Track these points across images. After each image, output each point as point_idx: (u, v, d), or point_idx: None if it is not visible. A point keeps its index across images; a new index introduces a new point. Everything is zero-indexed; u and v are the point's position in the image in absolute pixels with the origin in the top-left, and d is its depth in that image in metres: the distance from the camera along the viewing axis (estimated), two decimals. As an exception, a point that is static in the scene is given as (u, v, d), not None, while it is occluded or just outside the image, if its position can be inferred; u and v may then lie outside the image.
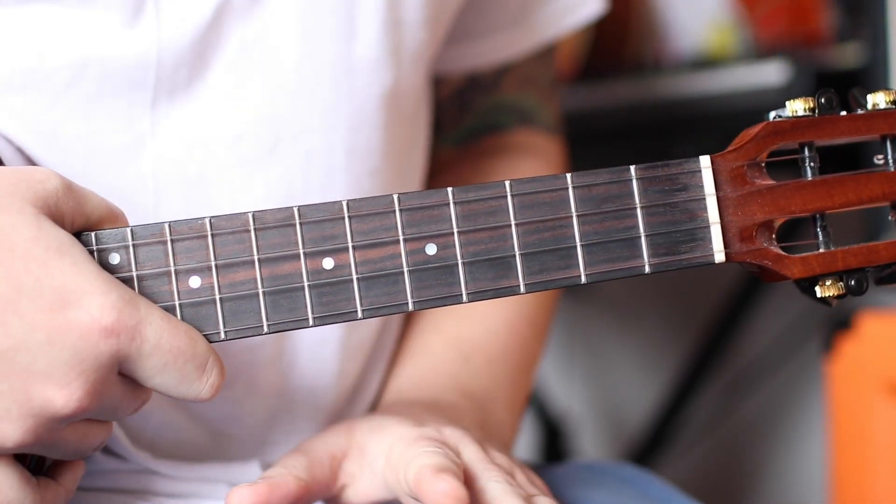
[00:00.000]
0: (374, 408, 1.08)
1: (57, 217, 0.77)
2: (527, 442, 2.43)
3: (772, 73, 1.79)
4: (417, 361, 1.07)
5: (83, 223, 0.80)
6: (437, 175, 1.21)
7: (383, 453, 0.90)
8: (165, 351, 0.77)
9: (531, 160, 1.21)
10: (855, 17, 1.97)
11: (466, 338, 1.09)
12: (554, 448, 2.41)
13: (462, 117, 1.25)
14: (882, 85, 1.71)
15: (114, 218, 0.81)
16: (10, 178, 0.77)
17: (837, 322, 1.69)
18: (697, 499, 1.07)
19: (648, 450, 2.34)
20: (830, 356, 1.69)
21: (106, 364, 0.75)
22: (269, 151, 0.97)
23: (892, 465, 1.63)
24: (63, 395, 0.75)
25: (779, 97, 1.74)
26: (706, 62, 2.06)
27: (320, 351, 1.01)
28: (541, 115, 1.26)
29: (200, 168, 0.95)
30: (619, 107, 1.96)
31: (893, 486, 1.63)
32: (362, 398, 1.08)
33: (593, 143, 1.99)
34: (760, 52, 2.06)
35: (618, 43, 2.06)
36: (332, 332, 1.01)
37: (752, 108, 1.79)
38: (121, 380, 0.78)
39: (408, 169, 1.08)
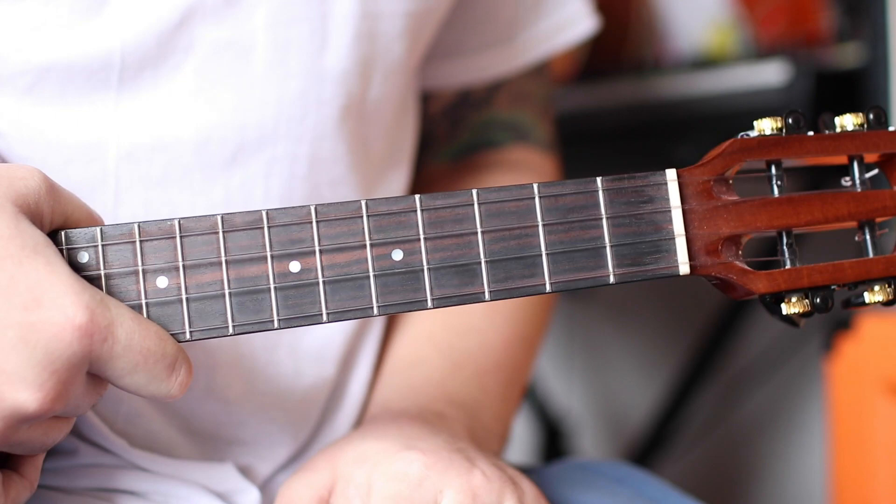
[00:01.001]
0: (362, 415, 1.08)
1: (36, 216, 0.78)
2: (527, 442, 2.44)
3: (772, 73, 1.79)
4: (409, 372, 1.07)
5: (61, 223, 0.80)
6: (427, 189, 1.21)
7: (373, 488, 0.90)
8: (136, 352, 0.78)
9: (525, 175, 1.22)
10: (855, 17, 1.97)
11: (459, 348, 1.09)
12: (553, 448, 2.42)
13: (454, 133, 1.25)
14: (882, 85, 1.70)
15: (92, 221, 0.82)
16: None
17: (837, 322, 1.69)
18: (697, 499, 1.07)
19: (648, 450, 2.34)
20: (830, 356, 1.69)
21: (77, 364, 0.76)
22: (231, 157, 0.97)
23: (892, 465, 1.63)
24: (36, 397, 0.74)
25: (779, 97, 1.74)
26: (706, 62, 2.06)
27: (272, 355, 1.02)
28: (535, 131, 1.26)
29: (163, 170, 0.95)
30: (619, 107, 1.96)
31: (893, 486, 1.63)
32: (344, 403, 1.09)
33: (593, 143, 1.99)
34: (760, 52, 2.06)
35: (618, 43, 2.06)
36: (280, 336, 1.02)
37: (752, 108, 1.80)
38: (87, 378, 0.78)
39: (380, 181, 1.08)
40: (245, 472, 1.02)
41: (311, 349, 1.05)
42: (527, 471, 1.10)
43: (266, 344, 1.02)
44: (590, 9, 1.25)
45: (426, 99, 1.22)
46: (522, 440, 2.47)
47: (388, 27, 1.02)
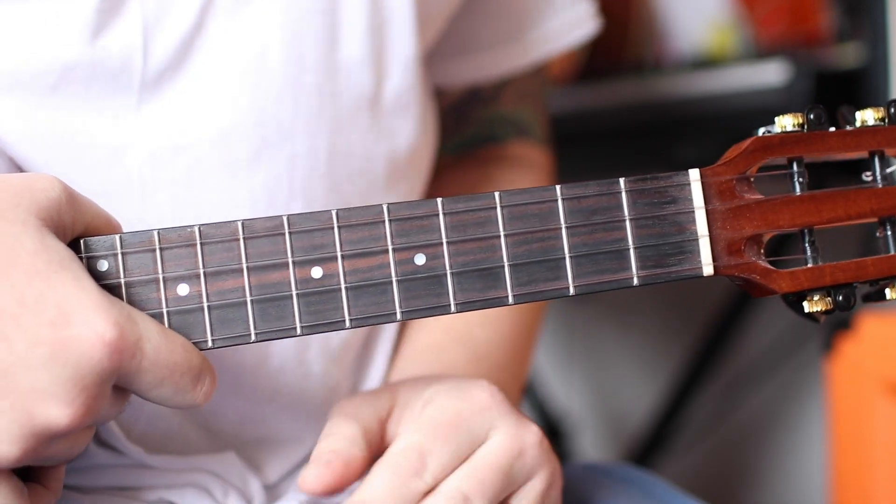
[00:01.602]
0: None
1: (58, 227, 0.77)
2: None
3: (772, 73, 1.79)
4: (431, 356, 1.07)
5: (81, 232, 0.80)
6: (436, 179, 1.21)
7: (434, 399, 0.90)
8: (163, 366, 0.77)
9: (526, 171, 1.22)
10: (855, 17, 1.97)
11: (477, 340, 1.09)
12: (554, 448, 2.41)
13: (459, 128, 1.25)
14: (882, 85, 1.71)
15: (111, 228, 0.81)
16: (13, 188, 0.77)
17: (837, 322, 1.69)
18: (697, 499, 1.07)
19: (648, 450, 2.35)
20: (830, 356, 1.70)
21: (107, 380, 0.75)
22: (254, 155, 0.97)
23: (892, 465, 1.64)
24: (66, 413, 0.74)
25: (779, 97, 1.74)
26: (706, 62, 2.06)
27: (304, 355, 1.02)
28: (534, 127, 1.27)
29: (187, 171, 0.95)
30: (619, 107, 1.96)
31: (893, 486, 1.64)
32: None
33: (593, 143, 1.99)
34: (760, 52, 2.06)
35: (618, 43, 2.06)
36: (313, 337, 1.01)
37: (752, 108, 1.80)
38: (113, 391, 0.78)
39: (404, 176, 1.08)
40: (257, 469, 1.03)
41: (336, 349, 1.05)
42: None
43: (297, 344, 1.01)
44: (593, 11, 1.27)
45: (436, 96, 1.22)
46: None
47: (397, 17, 1.03)
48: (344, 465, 0.87)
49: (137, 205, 0.94)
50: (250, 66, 0.96)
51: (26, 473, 0.80)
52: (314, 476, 0.87)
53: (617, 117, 1.97)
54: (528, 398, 2.37)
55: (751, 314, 2.22)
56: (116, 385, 0.78)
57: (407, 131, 1.06)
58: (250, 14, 0.96)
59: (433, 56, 1.18)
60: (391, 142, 1.05)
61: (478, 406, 0.89)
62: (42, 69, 0.91)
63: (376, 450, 0.90)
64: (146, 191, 0.94)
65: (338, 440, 0.89)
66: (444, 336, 1.08)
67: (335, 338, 1.04)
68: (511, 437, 0.88)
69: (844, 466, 1.70)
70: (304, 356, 1.02)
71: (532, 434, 0.90)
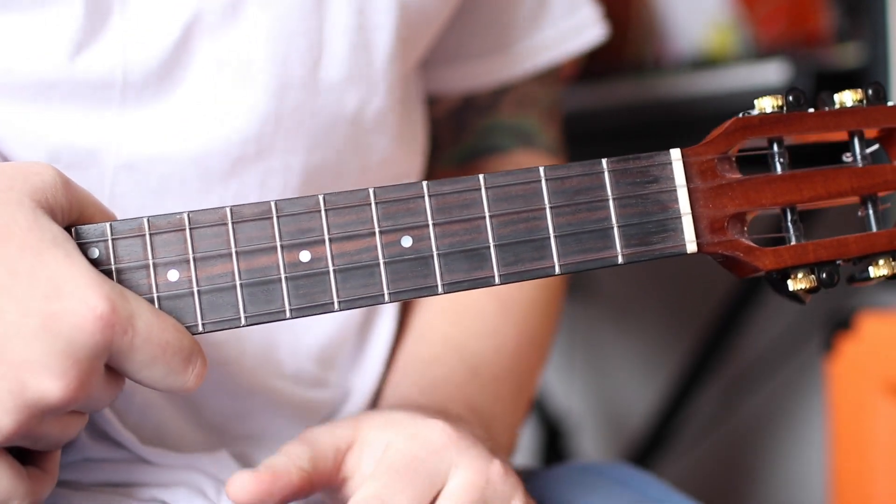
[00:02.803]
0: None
1: (52, 209, 0.78)
2: (527, 443, 2.43)
3: (772, 73, 1.79)
4: (427, 370, 1.07)
5: (76, 219, 0.81)
6: None
7: (391, 444, 0.90)
8: (155, 344, 0.78)
9: None
10: (855, 17, 1.97)
11: (475, 352, 1.08)
12: (554, 449, 2.41)
13: (459, 137, 1.25)
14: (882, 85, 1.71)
15: (105, 217, 0.82)
16: (7, 172, 0.78)
17: (837, 322, 1.69)
18: (697, 499, 1.08)
19: (648, 450, 2.34)
20: (830, 356, 1.70)
21: (99, 355, 0.76)
22: (229, 170, 0.98)
23: (892, 465, 1.64)
24: (58, 386, 0.74)
25: (779, 97, 1.74)
26: (706, 62, 2.06)
27: (273, 354, 1.03)
28: (541, 136, 1.26)
29: (160, 180, 0.96)
30: (619, 107, 1.96)
31: (893, 486, 1.64)
32: (350, 402, 1.09)
33: (593, 143, 1.99)
34: (760, 52, 2.06)
35: (618, 43, 2.06)
36: (280, 335, 1.02)
37: (752, 108, 1.80)
38: (105, 371, 0.78)
39: (368, 181, 1.07)
40: (249, 465, 1.02)
41: (313, 349, 1.05)
42: (529, 473, 1.11)
43: (267, 343, 1.02)
44: (598, 16, 1.26)
45: (431, 103, 1.22)
46: (522, 440, 2.46)
47: (383, 39, 1.03)
48: (271, 477, 0.87)
49: None
50: (234, 84, 0.97)
51: (22, 459, 0.81)
52: (239, 483, 0.86)
53: (617, 117, 1.97)
54: (528, 400, 2.37)
55: (751, 314, 2.22)
56: (109, 367, 0.78)
57: (382, 146, 1.07)
58: (236, 33, 0.97)
59: (426, 64, 1.19)
60: (365, 156, 1.06)
61: (433, 447, 0.88)
62: (22, 83, 0.93)
63: (325, 473, 0.90)
64: (115, 195, 0.95)
65: (279, 457, 0.89)
66: (441, 348, 1.08)
67: (308, 337, 1.05)
68: (474, 472, 0.88)
69: (844, 466, 1.70)
70: (274, 355, 1.03)
71: (496, 465, 0.89)
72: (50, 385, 0.75)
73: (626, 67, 2.09)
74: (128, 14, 0.94)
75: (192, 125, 0.96)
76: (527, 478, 1.06)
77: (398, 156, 1.10)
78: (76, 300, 0.75)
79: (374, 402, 1.09)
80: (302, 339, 1.05)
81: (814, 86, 1.75)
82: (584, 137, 1.94)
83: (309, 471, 0.89)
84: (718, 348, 2.26)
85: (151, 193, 0.96)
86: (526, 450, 2.42)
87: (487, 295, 1.11)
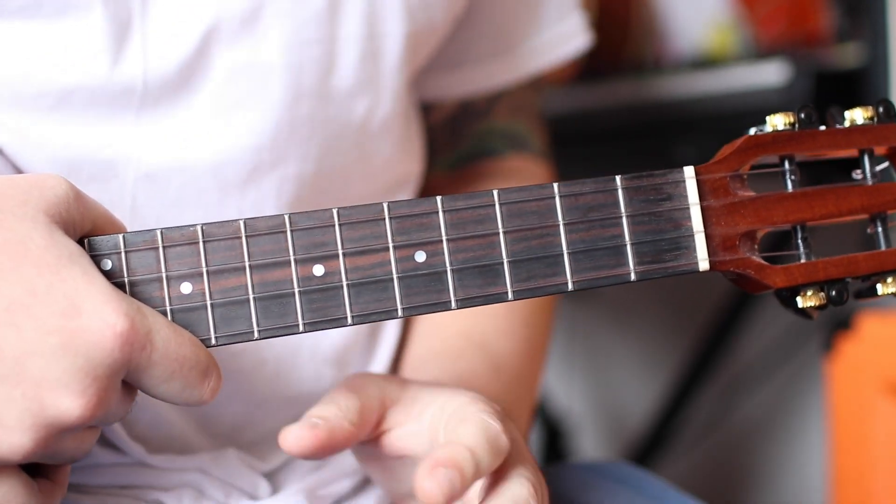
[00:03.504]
0: None
1: (67, 224, 0.78)
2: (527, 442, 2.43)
3: (772, 73, 1.80)
4: (452, 362, 1.07)
5: (89, 230, 0.80)
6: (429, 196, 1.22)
7: (436, 405, 0.89)
8: (172, 360, 0.78)
9: (522, 182, 1.22)
10: (855, 17, 1.97)
11: (496, 351, 1.09)
12: (554, 448, 2.41)
13: (454, 142, 1.26)
14: (882, 85, 1.71)
15: (116, 228, 0.82)
16: (22, 186, 0.78)
17: (837, 322, 1.69)
18: (697, 499, 1.08)
19: (648, 450, 2.34)
20: (830, 356, 1.70)
21: (118, 372, 0.76)
22: (246, 178, 0.98)
23: (892, 465, 1.64)
24: (78, 405, 0.74)
25: (779, 97, 1.74)
26: (706, 62, 2.06)
27: (295, 359, 1.03)
28: (531, 141, 1.27)
29: (180, 190, 0.96)
30: (619, 107, 1.96)
31: (893, 486, 1.64)
32: None
33: (593, 143, 1.99)
34: (760, 52, 2.06)
35: (618, 43, 2.07)
36: (301, 340, 1.02)
37: (752, 108, 1.80)
38: (122, 387, 0.78)
39: (388, 196, 1.09)
40: (259, 459, 1.03)
41: (330, 352, 1.06)
42: None
43: (288, 348, 1.02)
44: (585, 25, 1.27)
45: (427, 109, 1.23)
46: (523, 440, 2.47)
47: (391, 47, 1.04)
48: (328, 432, 0.86)
49: (126, 221, 0.95)
50: (250, 92, 0.98)
51: (33, 471, 0.81)
52: (295, 436, 0.86)
53: (617, 117, 1.97)
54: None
55: (751, 314, 2.22)
56: (125, 381, 0.78)
57: (386, 152, 1.08)
58: (252, 42, 0.97)
59: (425, 71, 1.19)
60: (369, 161, 1.07)
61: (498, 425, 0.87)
62: (42, 91, 0.93)
63: (370, 426, 0.90)
64: (136, 207, 0.96)
65: (331, 408, 0.88)
66: (463, 342, 1.08)
67: (326, 340, 1.05)
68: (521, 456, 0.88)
69: (844, 466, 1.70)
70: (295, 361, 1.03)
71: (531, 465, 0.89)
72: (69, 403, 0.74)
73: (626, 67, 2.09)
74: (147, 23, 0.94)
75: (209, 133, 0.97)
76: None
77: (400, 159, 1.10)
78: (95, 318, 0.75)
79: None
80: (321, 342, 1.05)
81: (814, 86, 1.75)
82: (584, 137, 1.95)
83: (357, 425, 0.89)
84: (718, 348, 2.26)
85: (171, 204, 0.96)
86: (525, 449, 2.42)
87: None
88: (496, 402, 1.01)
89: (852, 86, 1.77)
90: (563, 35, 1.25)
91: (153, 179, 0.96)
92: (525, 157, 1.26)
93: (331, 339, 1.05)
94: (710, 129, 1.90)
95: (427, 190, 1.22)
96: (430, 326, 1.11)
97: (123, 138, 0.95)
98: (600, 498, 1.05)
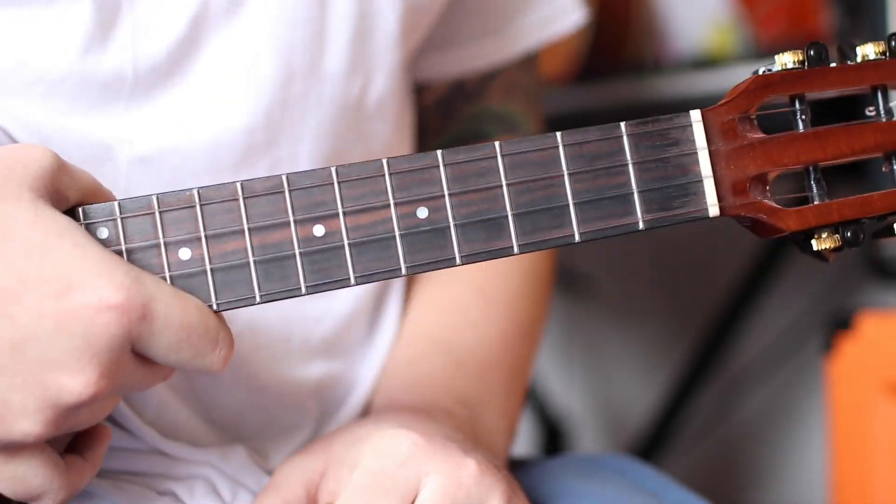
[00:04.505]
0: (367, 410, 1.08)
1: (53, 196, 0.77)
2: (527, 441, 2.44)
3: (772, 72, 1.79)
4: (410, 368, 1.06)
5: (78, 200, 0.79)
6: None
7: (357, 464, 0.88)
8: (177, 328, 0.77)
9: None
10: (855, 17, 1.97)
11: (458, 345, 1.08)
12: (554, 447, 2.41)
13: (446, 125, 1.24)
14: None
15: (105, 196, 0.81)
16: (5, 161, 0.76)
17: (837, 322, 1.69)
18: (692, 491, 1.07)
19: (648, 449, 2.34)
20: (830, 356, 1.69)
21: (118, 345, 0.75)
22: (240, 160, 0.97)
23: (892, 465, 1.64)
24: (79, 382, 0.74)
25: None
26: (706, 62, 2.06)
27: (287, 346, 1.02)
28: (525, 124, 1.26)
29: (173, 174, 0.95)
30: (619, 107, 1.96)
31: (893, 486, 1.64)
32: (356, 391, 1.08)
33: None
34: (760, 52, 2.06)
35: (618, 43, 2.06)
36: (292, 328, 1.02)
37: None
38: (135, 358, 0.77)
39: None
40: (262, 458, 1.02)
41: (324, 340, 1.05)
42: (527, 463, 1.11)
43: (280, 336, 1.02)
44: (579, 2, 1.26)
45: (419, 91, 1.22)
46: (523, 439, 2.46)
47: (384, 25, 1.03)
48: None
49: None
50: (241, 75, 0.97)
51: (66, 446, 0.81)
52: None
53: (617, 117, 1.95)
54: (528, 397, 2.37)
55: (751, 313, 2.22)
56: (137, 352, 0.77)
57: (383, 133, 1.07)
58: (242, 24, 0.97)
59: (419, 51, 1.18)
60: (367, 144, 1.06)
61: (401, 459, 0.86)
62: (32, 79, 0.92)
63: None
64: (131, 191, 0.94)
65: None
66: (425, 345, 1.08)
67: (318, 328, 1.04)
68: (445, 478, 0.85)
69: (844, 466, 1.69)
70: (287, 348, 1.03)
71: (468, 467, 0.86)
72: (71, 382, 0.74)
73: (626, 67, 2.09)
74: (136, 9, 0.94)
75: (201, 117, 0.96)
76: (523, 468, 1.08)
77: (399, 140, 1.10)
78: (88, 293, 0.74)
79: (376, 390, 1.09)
80: (313, 331, 1.04)
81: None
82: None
83: None
84: (718, 348, 2.26)
85: (165, 187, 0.95)
86: (527, 449, 2.42)
87: (471, 291, 1.11)
88: (457, 397, 1.02)
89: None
90: (558, 10, 1.23)
91: (147, 163, 0.95)
92: None
93: (323, 328, 1.05)
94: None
95: None
96: (403, 331, 1.10)
97: (115, 123, 0.94)
98: (598, 489, 1.03)
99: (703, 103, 1.85)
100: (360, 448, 0.89)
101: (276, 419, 1.04)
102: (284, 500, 0.90)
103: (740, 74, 1.84)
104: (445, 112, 1.24)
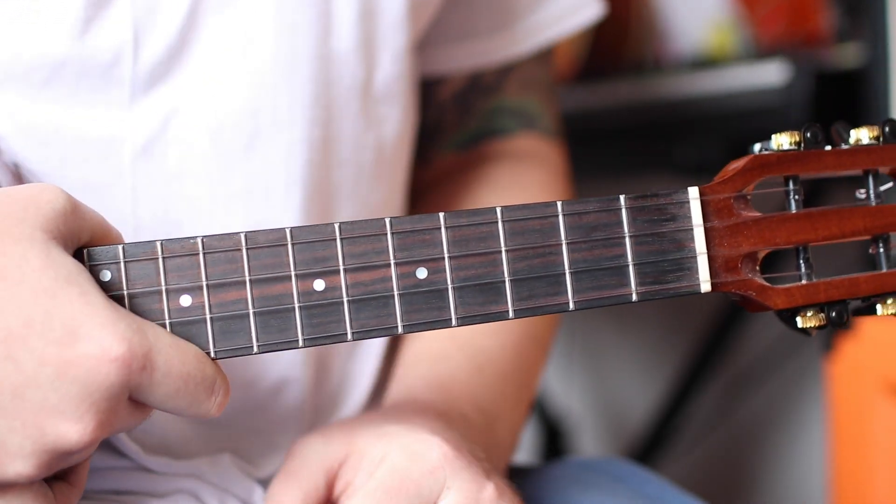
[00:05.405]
0: (371, 402, 1.08)
1: (64, 238, 0.77)
2: (527, 442, 2.43)
3: (772, 73, 1.80)
4: (434, 366, 1.06)
5: (86, 241, 0.80)
6: (439, 184, 1.22)
7: (385, 459, 0.89)
8: (176, 377, 0.78)
9: (534, 168, 1.22)
10: (855, 17, 1.97)
11: (480, 349, 1.08)
12: (554, 448, 2.41)
13: (463, 120, 1.25)
14: (882, 85, 1.71)
15: (113, 238, 0.81)
16: (18, 202, 0.77)
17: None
18: (696, 497, 1.08)
19: (648, 450, 2.34)
20: (830, 356, 1.70)
21: (116, 395, 0.75)
22: (248, 143, 0.97)
23: (892, 465, 1.64)
24: (77, 430, 0.74)
25: (779, 97, 1.74)
26: (706, 62, 2.06)
27: (283, 356, 1.02)
28: (542, 118, 1.26)
29: (180, 162, 0.96)
30: (619, 107, 1.96)
31: (893, 486, 1.64)
32: (352, 393, 1.09)
33: (593, 143, 1.99)
34: (760, 52, 2.06)
35: (618, 43, 2.06)
36: None
37: (752, 108, 1.80)
38: (131, 404, 0.78)
39: (390, 162, 1.08)
40: (253, 464, 1.03)
41: (308, 352, 1.04)
42: (526, 471, 1.12)
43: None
44: None
45: (436, 84, 1.22)
46: (523, 439, 2.47)
47: (389, 6, 1.03)
48: None
49: (129, 198, 0.95)
50: (244, 58, 0.97)
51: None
52: None
53: (617, 117, 1.97)
54: (529, 402, 2.37)
55: (750, 314, 2.22)
56: (137, 401, 0.78)
57: (394, 119, 1.07)
58: (243, 6, 0.97)
59: (433, 43, 1.19)
60: (379, 130, 1.06)
61: (429, 467, 0.88)
62: (32, 65, 0.92)
63: (318, 502, 0.91)
64: (138, 184, 0.95)
65: None
66: (448, 344, 1.08)
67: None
68: (465, 496, 0.87)
69: (844, 466, 1.70)
70: (278, 356, 1.02)
71: (488, 490, 0.88)
72: (68, 429, 0.75)
73: (626, 67, 2.09)
74: None
75: (203, 101, 0.96)
76: (524, 476, 1.08)
77: (410, 133, 1.09)
78: (92, 343, 0.74)
79: (374, 391, 1.10)
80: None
81: (814, 86, 1.75)
82: (584, 137, 1.94)
83: None
84: (719, 348, 2.26)
85: (171, 177, 0.96)
86: (526, 449, 2.42)
87: None
88: (475, 404, 1.02)
89: (852, 86, 1.77)
90: (575, 4, 1.23)
91: (151, 154, 0.95)
92: (535, 137, 1.25)
93: None
94: (709, 128, 1.90)
95: (436, 174, 1.21)
96: None
97: (117, 114, 0.94)
98: (599, 497, 1.05)
99: (703, 103, 1.86)
100: (388, 445, 0.90)
101: (269, 420, 1.04)
102: (303, 490, 0.90)
103: (740, 74, 1.86)
104: (462, 106, 1.24)
